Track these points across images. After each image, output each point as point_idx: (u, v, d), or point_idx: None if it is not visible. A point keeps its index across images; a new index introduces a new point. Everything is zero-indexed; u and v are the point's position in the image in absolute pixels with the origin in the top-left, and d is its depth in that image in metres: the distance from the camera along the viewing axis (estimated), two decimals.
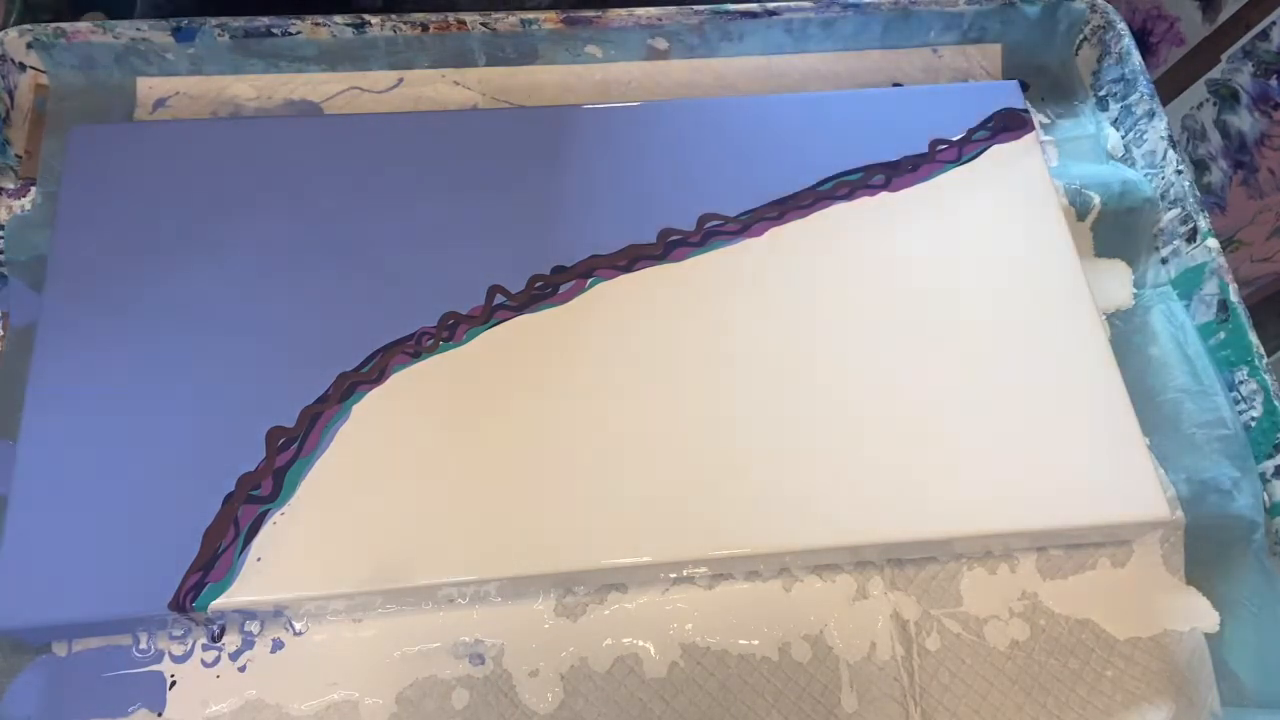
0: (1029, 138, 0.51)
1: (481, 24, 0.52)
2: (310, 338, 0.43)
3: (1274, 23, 0.67)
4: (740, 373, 0.44)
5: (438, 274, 0.45)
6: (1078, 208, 0.52)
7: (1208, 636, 0.43)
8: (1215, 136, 0.75)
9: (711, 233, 0.47)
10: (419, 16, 0.52)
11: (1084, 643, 0.42)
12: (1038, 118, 0.55)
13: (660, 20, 0.54)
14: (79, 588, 0.38)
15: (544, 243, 0.46)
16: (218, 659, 0.40)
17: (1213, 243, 0.49)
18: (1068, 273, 0.47)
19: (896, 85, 0.56)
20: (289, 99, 0.53)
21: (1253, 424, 0.46)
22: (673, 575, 0.42)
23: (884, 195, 0.49)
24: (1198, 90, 0.75)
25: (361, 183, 0.47)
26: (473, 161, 0.48)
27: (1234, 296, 0.48)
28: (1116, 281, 0.51)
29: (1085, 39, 0.57)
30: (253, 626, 0.40)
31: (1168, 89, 0.77)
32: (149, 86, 0.52)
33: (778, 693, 0.41)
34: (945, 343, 0.45)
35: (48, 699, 0.39)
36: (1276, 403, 0.45)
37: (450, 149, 0.49)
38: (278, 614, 0.40)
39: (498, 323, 0.44)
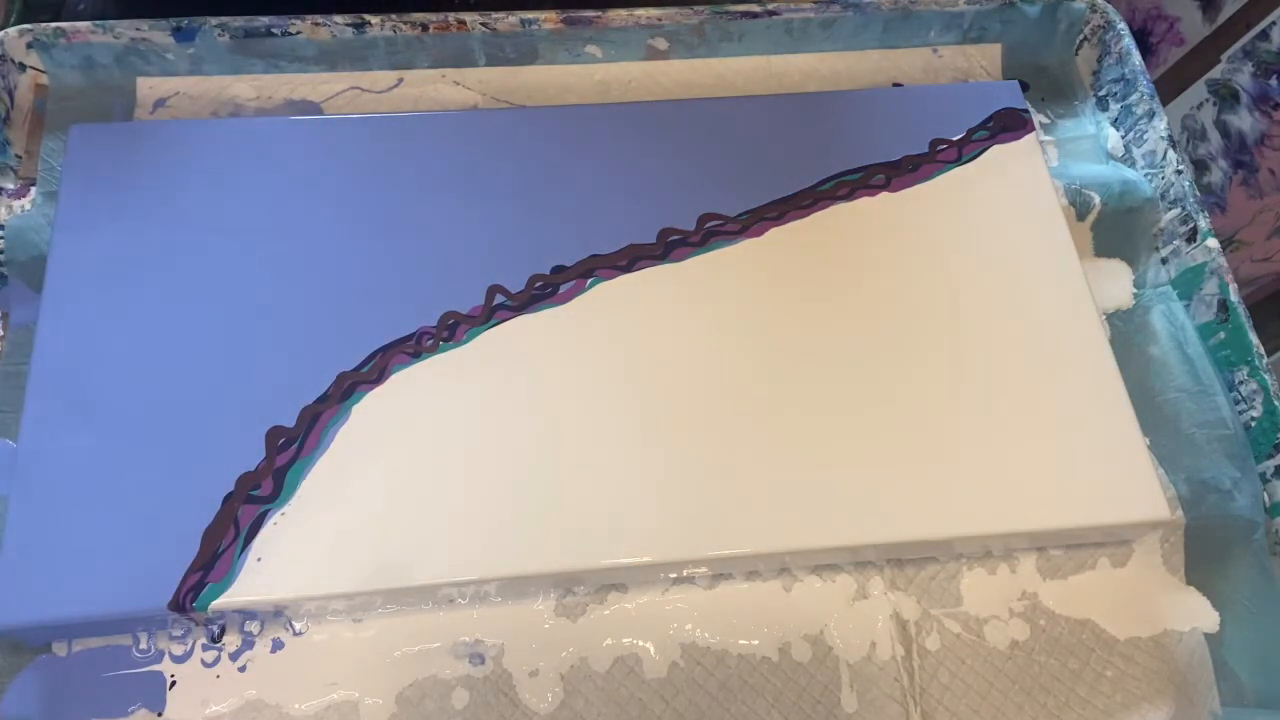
0: (1029, 138, 0.51)
1: (481, 24, 0.52)
2: (310, 338, 0.43)
3: (1274, 23, 0.67)
4: (740, 373, 0.44)
5: (438, 274, 0.45)
6: (1078, 208, 0.52)
7: (1208, 636, 0.43)
8: (1215, 136, 0.75)
9: (711, 233, 0.47)
10: (419, 16, 0.52)
11: (1084, 643, 0.42)
12: (1038, 118, 0.55)
13: (660, 20, 0.54)
14: (79, 587, 0.38)
15: (544, 243, 0.46)
16: (218, 659, 0.40)
17: (1213, 243, 0.49)
18: (1068, 273, 0.47)
19: (896, 85, 0.56)
20: (289, 99, 0.53)
21: (1253, 424, 0.46)
22: (673, 575, 0.42)
23: (884, 195, 0.49)
24: (1198, 90, 0.75)
25: (361, 183, 0.47)
26: (473, 161, 0.48)
27: (1234, 296, 0.48)
28: (1116, 281, 0.51)
29: (1085, 39, 0.57)
30: (253, 626, 0.40)
31: (1168, 89, 0.77)
32: (149, 86, 0.52)
33: (778, 693, 0.41)
34: (945, 343, 0.45)
35: (48, 699, 0.39)
36: (1276, 403, 0.45)
37: (450, 149, 0.49)
38: (278, 614, 0.40)
39: (498, 323, 0.44)
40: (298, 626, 0.40)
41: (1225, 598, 0.44)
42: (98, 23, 0.50)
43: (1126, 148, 0.55)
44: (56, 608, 0.37)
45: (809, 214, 0.48)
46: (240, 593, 0.38)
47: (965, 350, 0.45)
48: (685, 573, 0.42)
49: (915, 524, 0.41)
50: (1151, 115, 0.53)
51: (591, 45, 0.54)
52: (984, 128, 0.52)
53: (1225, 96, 0.73)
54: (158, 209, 0.46)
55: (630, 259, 0.46)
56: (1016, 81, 0.54)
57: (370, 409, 0.42)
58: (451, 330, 0.44)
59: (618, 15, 0.53)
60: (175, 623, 0.39)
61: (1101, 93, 0.57)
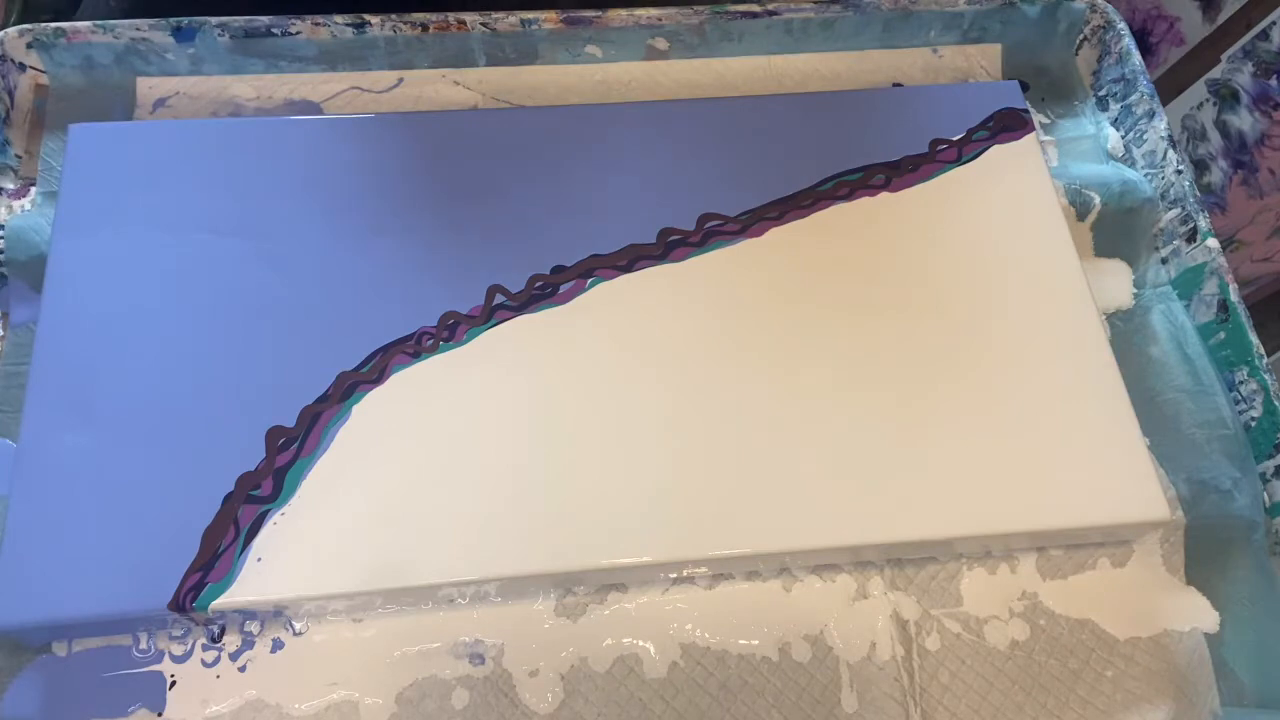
0: (1029, 138, 0.51)
1: (481, 24, 0.52)
2: (310, 337, 0.43)
3: (1274, 23, 0.67)
4: (740, 373, 0.44)
5: (438, 274, 0.45)
6: (1078, 208, 0.52)
7: (1208, 636, 0.43)
8: (1215, 136, 0.75)
9: (711, 233, 0.47)
10: (419, 16, 0.52)
11: (1084, 643, 0.42)
12: (1038, 118, 0.55)
13: (660, 20, 0.54)
14: (79, 587, 0.38)
15: (544, 243, 0.46)
16: (218, 659, 0.40)
17: (1213, 243, 0.49)
18: (1068, 273, 0.47)
19: (897, 85, 0.56)
20: (289, 99, 0.53)
21: (1253, 424, 0.46)
22: (673, 575, 0.42)
23: (884, 195, 0.49)
24: (1198, 90, 0.75)
25: (361, 183, 0.47)
26: (473, 161, 0.48)
27: (1234, 296, 0.48)
28: (1116, 281, 0.51)
29: (1085, 39, 0.57)
30: (253, 626, 0.40)
31: (1168, 89, 0.77)
32: (149, 86, 0.52)
33: (778, 693, 0.41)
34: (945, 343, 0.45)
35: (48, 699, 0.39)
36: (1276, 403, 0.45)
37: (450, 149, 0.49)
38: (278, 614, 0.40)
39: (498, 323, 0.44)
40: (298, 626, 0.40)
41: (1225, 598, 0.44)
42: (98, 23, 0.50)
43: (1126, 148, 0.55)
44: (56, 608, 0.37)
45: (809, 214, 0.48)
46: (240, 593, 0.38)
47: (965, 350, 0.45)
48: (685, 573, 0.42)
49: (915, 524, 0.41)
50: (1151, 115, 0.53)
51: (591, 45, 0.54)
52: (984, 128, 0.52)
53: (1225, 96, 0.73)
54: (158, 209, 0.46)
55: (630, 259, 0.46)
56: (1016, 81, 0.54)
57: (370, 409, 0.42)
58: (451, 330, 0.44)
59: (618, 15, 0.53)
60: (175, 623, 0.39)
61: (1101, 93, 0.57)
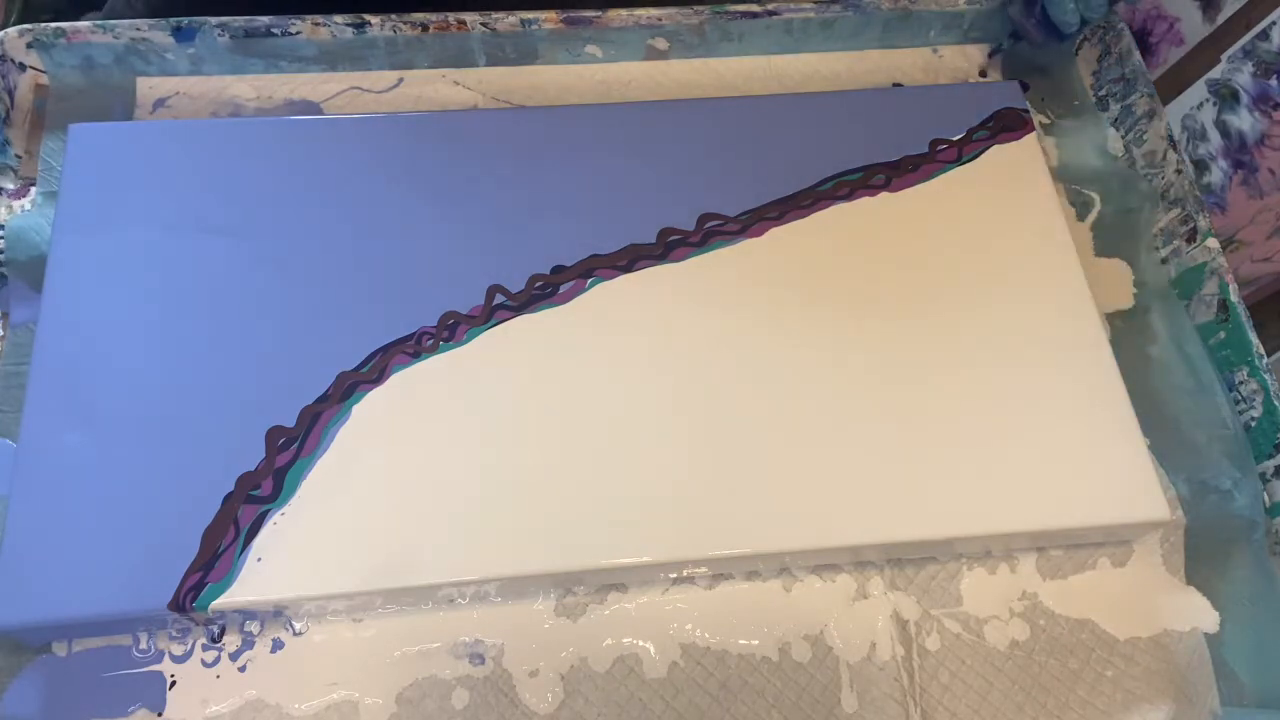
0: (1029, 138, 0.51)
1: (481, 24, 0.52)
2: (310, 337, 0.43)
3: (1274, 23, 0.67)
4: (740, 373, 0.44)
5: (438, 274, 0.45)
6: (1078, 208, 0.52)
7: (1208, 636, 0.43)
8: (1215, 136, 0.74)
9: (711, 233, 0.47)
10: (419, 16, 0.52)
11: (1084, 643, 0.42)
12: (1038, 118, 0.55)
13: (660, 20, 0.54)
14: (79, 587, 0.38)
15: (544, 243, 0.46)
16: (218, 659, 0.40)
17: (1213, 243, 0.49)
18: (1068, 273, 0.47)
19: (897, 85, 0.56)
20: (289, 99, 0.53)
21: (1253, 424, 0.46)
22: (673, 575, 0.42)
23: (884, 195, 0.49)
24: (1198, 90, 0.75)
25: (361, 182, 0.47)
26: (473, 161, 0.48)
27: (1234, 296, 0.48)
28: (1116, 281, 0.51)
29: (1085, 39, 0.57)
30: (253, 626, 0.40)
31: (1168, 89, 0.77)
32: (149, 86, 0.52)
33: (778, 693, 0.41)
34: (945, 343, 0.45)
35: (48, 699, 0.39)
36: (1276, 403, 0.45)
37: (450, 149, 0.49)
38: (278, 614, 0.40)
39: (498, 323, 0.44)
40: (298, 626, 0.40)
41: (1225, 598, 0.44)
42: (98, 23, 0.50)
43: (1126, 148, 0.55)
44: (56, 608, 0.37)
45: (809, 214, 0.48)
46: (240, 593, 0.38)
47: (965, 350, 0.45)
48: (685, 573, 0.42)
49: (915, 524, 0.41)
50: (1151, 115, 0.53)
51: (591, 45, 0.54)
52: (984, 128, 0.52)
53: (1225, 96, 0.72)
54: (158, 209, 0.46)
55: (630, 259, 0.46)
56: (1016, 81, 0.54)
57: (370, 409, 0.42)
58: (451, 330, 0.44)
59: (618, 15, 0.53)
60: (175, 623, 0.39)
61: (1101, 93, 0.57)
